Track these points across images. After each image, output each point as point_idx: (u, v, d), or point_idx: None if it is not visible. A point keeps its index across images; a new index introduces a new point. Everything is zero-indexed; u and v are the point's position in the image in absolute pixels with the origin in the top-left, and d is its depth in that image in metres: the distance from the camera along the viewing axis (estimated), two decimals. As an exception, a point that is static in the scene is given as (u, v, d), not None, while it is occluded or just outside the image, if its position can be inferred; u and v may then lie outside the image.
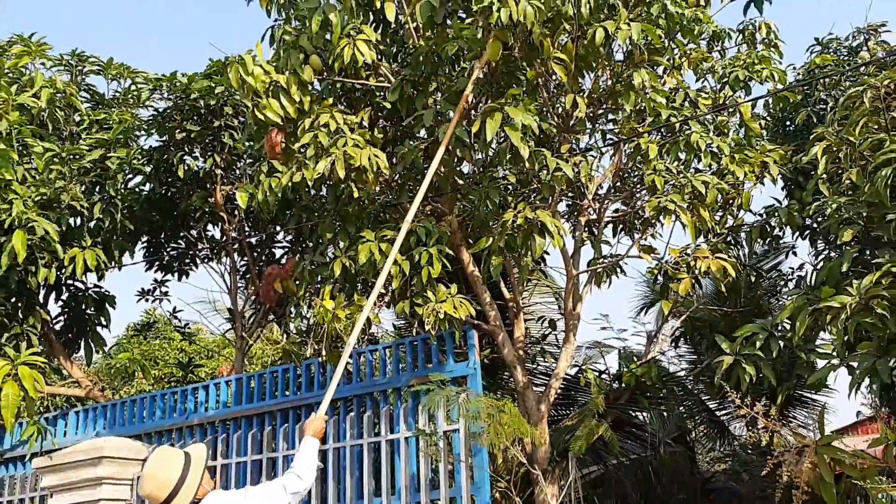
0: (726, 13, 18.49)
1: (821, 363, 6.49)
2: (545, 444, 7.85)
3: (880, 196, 5.58)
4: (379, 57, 7.99)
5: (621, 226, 9.21)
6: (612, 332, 13.06)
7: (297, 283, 7.81)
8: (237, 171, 10.15)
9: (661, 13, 7.05)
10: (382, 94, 7.82)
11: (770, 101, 8.92)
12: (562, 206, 9.75)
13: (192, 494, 4.18)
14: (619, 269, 8.42)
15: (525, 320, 10.44)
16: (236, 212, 10.27)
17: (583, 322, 15.73)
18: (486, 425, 6.56)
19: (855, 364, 5.36)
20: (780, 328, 6.24)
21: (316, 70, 7.24)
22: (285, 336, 10.82)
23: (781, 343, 6.10)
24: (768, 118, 10.30)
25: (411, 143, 7.32)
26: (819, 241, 7.76)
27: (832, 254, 7.57)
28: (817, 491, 5.27)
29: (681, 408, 12.80)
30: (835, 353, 5.63)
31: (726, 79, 8.11)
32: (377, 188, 7.50)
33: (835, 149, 6.16)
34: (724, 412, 13.19)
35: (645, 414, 12.26)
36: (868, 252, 6.14)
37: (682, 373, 12.40)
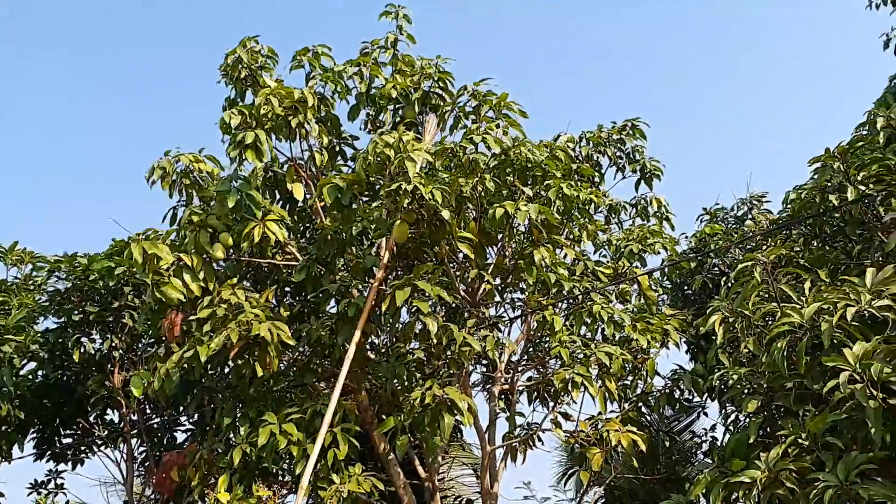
0: (624, 185, 19.77)
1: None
2: None
3: (778, 367, 5.73)
4: (288, 235, 8.05)
5: (535, 394, 9.17)
6: (535, 501, 12.61)
7: (195, 470, 7.29)
8: (137, 353, 9.70)
9: (557, 196, 7.40)
10: (289, 271, 7.78)
11: (667, 270, 9.32)
12: (475, 377, 9.70)
13: None
14: (535, 441, 8.28)
15: (442, 499, 10.02)
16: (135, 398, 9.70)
17: (505, 494, 15.25)
18: None
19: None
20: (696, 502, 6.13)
21: (225, 248, 7.17)
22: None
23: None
24: (667, 284, 10.73)
25: (317, 319, 7.21)
26: (727, 405, 7.87)
27: (740, 417, 7.67)
28: None
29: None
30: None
31: (622, 251, 8.47)
32: (280, 366, 7.27)
33: (731, 319, 6.38)
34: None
35: None
36: (773, 421, 6.23)
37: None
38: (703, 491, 5.72)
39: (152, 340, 9.52)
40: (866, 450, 5.13)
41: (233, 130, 7.16)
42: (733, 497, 5.60)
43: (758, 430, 6.09)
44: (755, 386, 6.13)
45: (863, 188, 6.58)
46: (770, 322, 6.01)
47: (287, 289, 8.26)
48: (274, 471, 7.34)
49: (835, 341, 5.46)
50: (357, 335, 6.33)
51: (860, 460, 5.01)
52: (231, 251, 7.39)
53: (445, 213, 6.65)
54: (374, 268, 7.29)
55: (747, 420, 6.33)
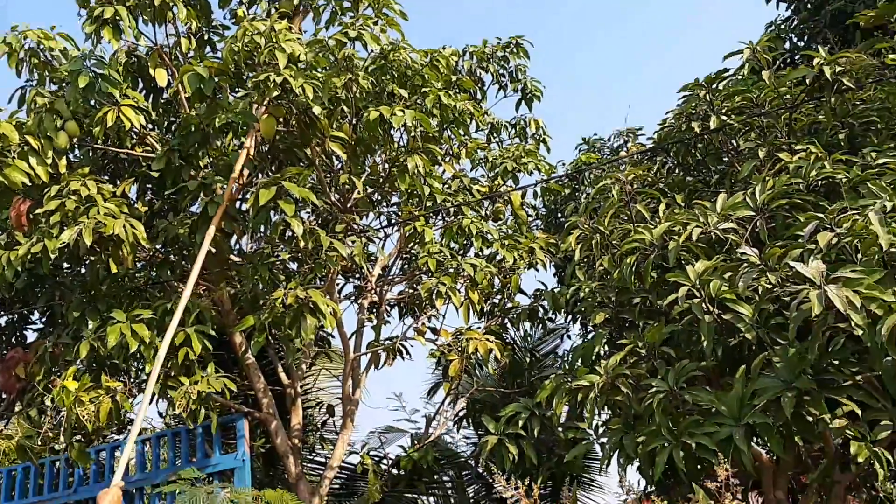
0: (506, 106, 19.88)
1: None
2: (317, 537, 7.43)
3: (627, 282, 5.98)
4: (151, 127, 7.61)
5: (404, 307, 9.25)
6: (405, 413, 12.91)
7: (40, 365, 6.97)
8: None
9: (435, 104, 7.31)
10: (149, 164, 7.38)
11: (540, 192, 9.48)
12: (348, 289, 9.67)
13: None
14: (403, 352, 8.36)
15: (306, 407, 10.06)
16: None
17: (379, 407, 15.52)
18: (248, 522, 6.06)
19: (605, 441, 5.58)
20: (542, 407, 6.41)
21: (72, 136, 6.69)
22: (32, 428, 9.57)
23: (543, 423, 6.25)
24: (543, 209, 10.97)
25: (176, 216, 6.91)
26: (579, 319, 8.18)
27: (590, 335, 8.01)
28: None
29: (468, 490, 12.80)
30: (590, 431, 5.83)
31: (497, 169, 8.53)
32: (135, 263, 6.96)
33: (588, 236, 6.58)
34: (512, 498, 13.32)
35: (430, 500, 12.11)
36: (619, 334, 6.53)
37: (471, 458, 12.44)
38: (548, 396, 5.97)
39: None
40: (698, 360, 5.48)
41: (91, 4, 6.61)
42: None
43: (603, 341, 6.39)
44: (605, 300, 6.38)
45: (725, 119, 6.83)
46: (625, 241, 6.24)
47: (148, 185, 7.86)
48: (125, 368, 7.12)
49: (681, 260, 5.75)
50: (212, 230, 6.09)
51: (690, 368, 5.35)
52: (85, 139, 6.93)
53: (317, 110, 6.43)
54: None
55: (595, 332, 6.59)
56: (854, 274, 4.54)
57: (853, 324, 4.41)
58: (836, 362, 4.97)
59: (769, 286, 4.94)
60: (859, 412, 4.95)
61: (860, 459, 4.84)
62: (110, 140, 7.13)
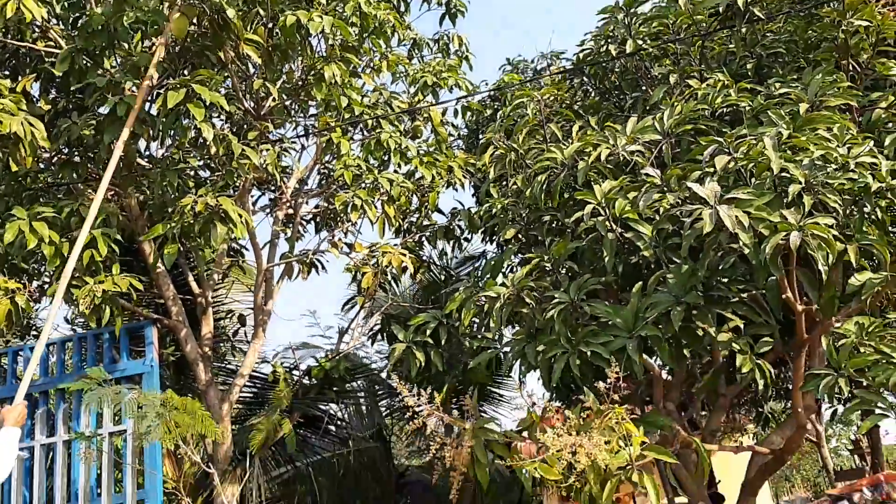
0: (431, 23, 19.50)
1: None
2: (226, 442, 7.53)
3: (537, 200, 6.13)
4: (56, 22, 7.19)
5: (320, 221, 9.22)
6: (320, 329, 13.05)
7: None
8: None
9: (355, 12, 7.15)
10: (53, 61, 7.01)
11: (461, 111, 9.47)
12: (264, 201, 9.54)
13: None
14: (317, 265, 8.37)
15: (217, 318, 10.03)
16: None
17: (294, 322, 15.55)
18: (155, 424, 6.08)
19: (508, 350, 5.81)
20: (451, 318, 6.58)
21: (-34, 25, 6.27)
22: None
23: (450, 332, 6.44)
24: (464, 129, 11.00)
25: (80, 116, 6.63)
26: (491, 235, 8.34)
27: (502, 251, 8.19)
28: (472, 472, 5.59)
29: (381, 404, 13.15)
30: (494, 339, 6.05)
31: (417, 84, 8.46)
32: (37, 163, 6.69)
33: (503, 155, 6.67)
34: (421, 408, 13.74)
35: (344, 412, 12.40)
36: (528, 250, 6.72)
37: (384, 372, 12.73)
38: (458, 306, 6.14)
39: None
40: (599, 276, 5.72)
41: None
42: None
43: (513, 257, 6.56)
44: (516, 217, 6.53)
45: (640, 43, 6.94)
46: (537, 160, 6.35)
47: (52, 83, 7.47)
48: (26, 268, 6.90)
49: (589, 180, 5.91)
50: (125, 133, 5.88)
51: (591, 283, 5.59)
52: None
53: (231, 12, 6.21)
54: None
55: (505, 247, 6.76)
56: (746, 195, 4.78)
57: (741, 243, 4.67)
58: (725, 280, 5.29)
59: (668, 206, 5.16)
60: (742, 327, 5.32)
61: (744, 370, 5.22)
62: (10, 33, 6.71)
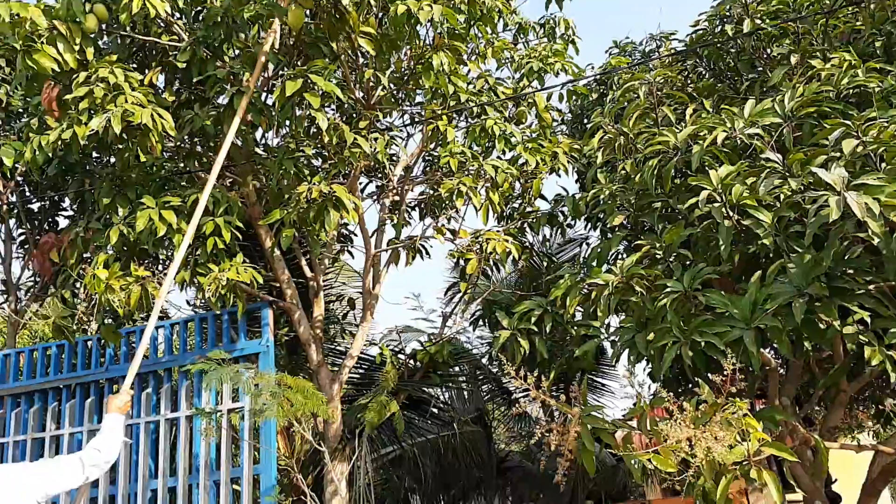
0: (536, 7, 19.32)
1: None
2: (336, 421, 7.79)
3: (647, 185, 6.00)
4: (178, 16, 7.55)
5: (425, 208, 9.34)
6: (423, 313, 13.28)
7: (73, 250, 7.20)
8: (13, 129, 9.18)
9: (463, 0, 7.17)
10: (175, 54, 7.38)
11: (566, 96, 9.35)
12: (371, 188, 9.76)
13: None
14: (422, 251, 8.50)
15: (327, 301, 10.35)
16: (13, 174, 9.28)
17: (398, 305, 15.89)
18: (270, 402, 6.37)
19: (616, 339, 5.73)
20: (556, 305, 6.53)
21: (101, 19, 6.67)
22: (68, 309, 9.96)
23: (555, 320, 6.40)
24: (568, 114, 10.86)
25: (202, 107, 6.95)
26: (598, 221, 8.22)
27: (608, 238, 8.06)
28: (580, 459, 5.57)
29: (482, 389, 13.27)
30: (601, 329, 5.98)
31: (523, 69, 8.41)
32: (163, 153, 7.07)
33: (611, 138, 6.55)
34: (522, 394, 13.80)
35: (446, 395, 12.58)
36: (637, 238, 6.59)
37: (485, 357, 12.84)
38: (563, 294, 6.09)
39: (30, 115, 8.99)
40: (714, 265, 5.55)
41: None
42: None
43: (620, 244, 6.45)
44: (624, 203, 6.41)
45: (759, 22, 6.66)
46: (648, 144, 6.21)
47: (175, 75, 7.87)
48: (154, 254, 7.33)
49: (704, 165, 5.73)
50: (237, 121, 6.13)
51: (706, 272, 5.42)
52: (113, 25, 6.92)
53: (346, 2, 6.35)
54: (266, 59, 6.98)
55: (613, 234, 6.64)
56: (875, 181, 4.53)
57: (871, 232, 4.43)
58: (851, 271, 5.02)
59: (790, 193, 4.95)
60: (869, 321, 5.04)
61: (874, 362, 4.93)
62: (137, 28, 7.11)
